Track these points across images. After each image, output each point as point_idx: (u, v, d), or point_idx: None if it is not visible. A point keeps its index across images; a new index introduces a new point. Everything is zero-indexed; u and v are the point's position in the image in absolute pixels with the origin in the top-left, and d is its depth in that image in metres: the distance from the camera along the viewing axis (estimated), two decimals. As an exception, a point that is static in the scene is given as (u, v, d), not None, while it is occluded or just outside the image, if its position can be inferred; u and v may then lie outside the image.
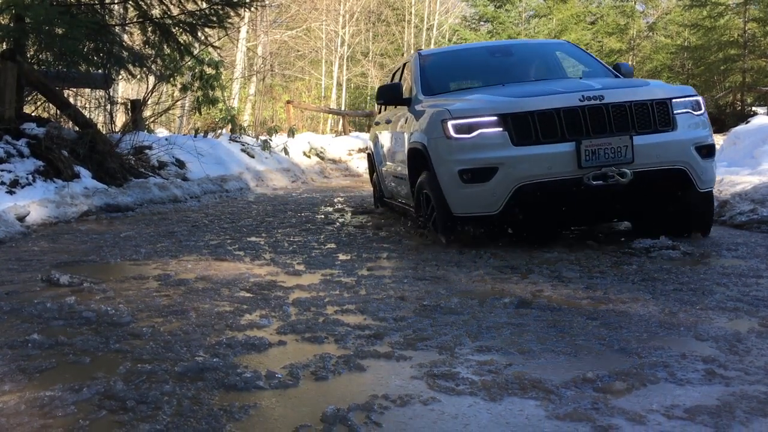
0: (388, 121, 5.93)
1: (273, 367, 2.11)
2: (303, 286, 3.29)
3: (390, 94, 5.32)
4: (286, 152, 12.65)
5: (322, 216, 6.52)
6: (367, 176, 14.87)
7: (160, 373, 2.06)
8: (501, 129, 4.00)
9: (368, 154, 7.47)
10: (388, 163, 5.99)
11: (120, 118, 10.81)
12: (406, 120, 5.03)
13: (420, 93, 5.11)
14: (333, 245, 4.59)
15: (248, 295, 3.11)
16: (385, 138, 6.06)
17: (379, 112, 7.13)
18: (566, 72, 5.76)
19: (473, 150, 4.05)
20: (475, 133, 4.05)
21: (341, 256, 4.14)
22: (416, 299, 3.00)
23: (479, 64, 5.69)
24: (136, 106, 9.96)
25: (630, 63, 20.92)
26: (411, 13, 30.48)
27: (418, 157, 4.61)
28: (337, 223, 5.94)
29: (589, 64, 5.61)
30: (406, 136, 4.96)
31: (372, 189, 7.46)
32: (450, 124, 4.12)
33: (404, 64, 6.26)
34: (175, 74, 10.08)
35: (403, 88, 5.62)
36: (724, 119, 19.55)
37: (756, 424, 1.69)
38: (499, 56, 5.76)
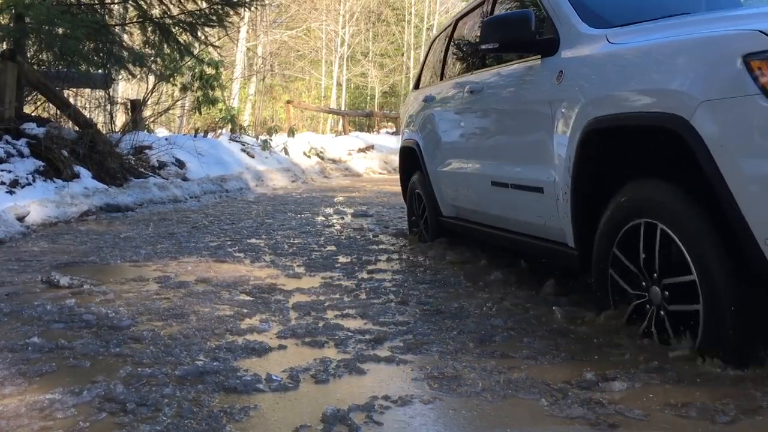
0: (473, 90, 3.60)
1: (273, 371, 2.12)
2: (303, 289, 3.29)
3: (513, 30, 2.93)
4: (286, 152, 12.65)
5: (323, 217, 6.53)
6: (367, 175, 14.98)
7: (160, 377, 2.06)
8: None
9: (403, 150, 5.02)
10: (470, 164, 3.74)
11: (120, 118, 10.81)
12: (558, 76, 2.71)
13: (579, 24, 2.78)
14: (333, 247, 4.59)
15: (248, 298, 3.11)
16: (464, 120, 3.83)
17: (416, 87, 5.03)
18: None
19: None
20: None
21: (341, 259, 4.14)
22: (417, 303, 3.00)
23: None
24: (136, 106, 9.96)
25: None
26: (411, 13, 30.49)
27: (619, 151, 2.48)
28: (338, 225, 5.94)
29: None
30: (562, 109, 2.66)
31: (405, 202, 5.23)
32: None
33: None
34: (175, 74, 10.08)
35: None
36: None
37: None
38: None
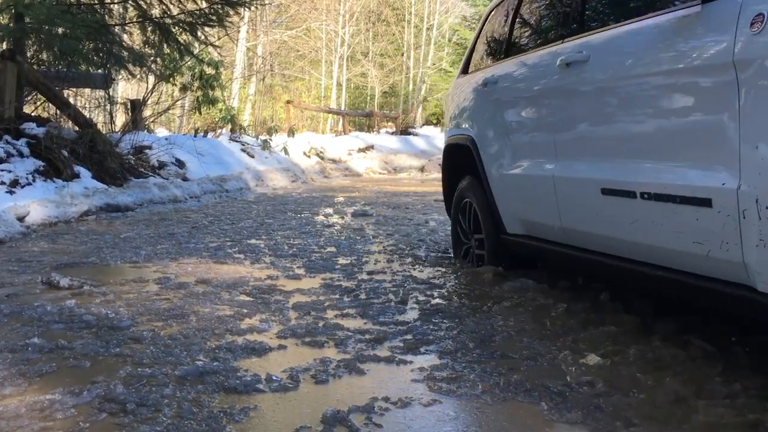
0: (571, 63, 2.62)
1: (273, 371, 2.12)
2: (303, 289, 3.29)
3: None
4: (286, 152, 12.66)
5: (323, 217, 6.53)
6: (367, 175, 15.01)
7: (160, 377, 2.07)
8: None
9: (450, 149, 4.08)
10: (562, 164, 2.77)
11: (120, 118, 10.82)
12: (754, 23, 1.77)
13: None
14: (333, 248, 4.59)
15: (248, 298, 3.12)
16: (552, 105, 2.83)
17: (464, 71, 4.08)
18: None
19: None
20: None
21: (341, 260, 4.14)
22: (417, 303, 3.01)
23: None
24: (136, 106, 9.97)
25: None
26: (411, 13, 30.48)
27: None
28: (338, 226, 5.94)
29: None
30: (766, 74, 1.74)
31: (449, 216, 4.21)
32: None
33: None
34: (175, 74, 10.08)
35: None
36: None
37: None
38: None
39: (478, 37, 4.09)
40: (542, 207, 2.94)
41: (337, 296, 3.16)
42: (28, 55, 7.90)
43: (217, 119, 13.06)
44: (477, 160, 3.56)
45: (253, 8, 11.97)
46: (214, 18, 8.72)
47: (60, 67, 8.18)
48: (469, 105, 3.81)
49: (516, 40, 3.48)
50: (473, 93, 3.75)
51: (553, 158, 2.82)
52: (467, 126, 3.80)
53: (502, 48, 3.57)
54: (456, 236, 4.01)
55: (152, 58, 8.91)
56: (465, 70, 4.10)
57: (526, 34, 3.44)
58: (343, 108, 25.82)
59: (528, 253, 3.28)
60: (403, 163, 15.64)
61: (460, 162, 3.86)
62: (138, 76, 9.65)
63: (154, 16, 8.66)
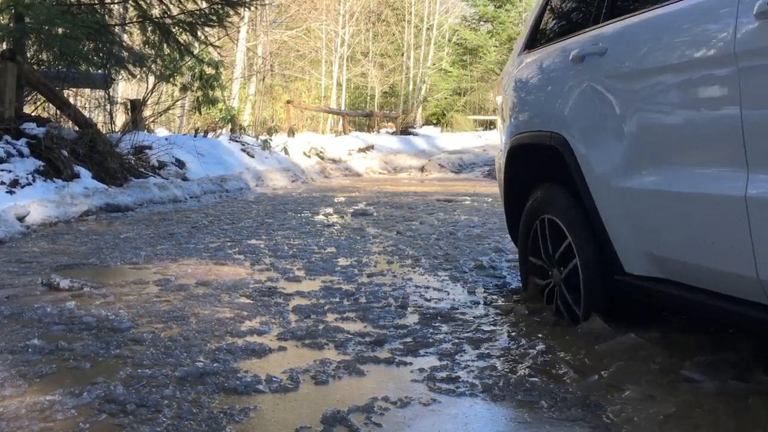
0: None
1: (273, 372, 2.13)
2: (303, 292, 3.29)
3: None
4: (286, 152, 12.66)
5: (323, 217, 6.53)
6: (367, 175, 15.03)
7: (160, 378, 2.07)
8: None
9: (518, 150, 3.03)
10: None
11: (120, 118, 10.83)
12: None
13: None
14: (333, 249, 4.59)
15: (248, 301, 3.12)
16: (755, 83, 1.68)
17: (529, 46, 3.11)
18: None
19: None
20: None
21: (341, 262, 4.14)
22: (417, 307, 3.01)
23: None
24: (136, 106, 9.97)
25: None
26: (411, 13, 30.49)
27: None
28: (337, 226, 5.94)
29: None
30: None
31: (514, 241, 3.27)
32: None
33: None
34: (175, 74, 10.08)
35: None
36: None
37: None
38: None
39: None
40: (713, 244, 1.91)
41: (337, 299, 3.15)
42: (28, 55, 7.90)
43: (217, 119, 13.07)
44: (572, 166, 2.53)
45: (253, 8, 11.99)
46: (214, 18, 8.73)
47: (60, 67, 8.18)
48: (551, 90, 2.78)
49: None
50: (557, 72, 2.72)
51: (743, 167, 1.78)
52: (550, 119, 2.74)
53: (605, 4, 2.51)
54: (525, 261, 2.99)
55: (152, 58, 8.91)
56: (531, 45, 3.10)
57: None
58: (343, 108, 25.82)
59: (669, 306, 2.28)
60: (403, 163, 15.64)
61: (534, 170, 2.95)
62: (138, 76, 9.66)
63: (154, 16, 8.66)
